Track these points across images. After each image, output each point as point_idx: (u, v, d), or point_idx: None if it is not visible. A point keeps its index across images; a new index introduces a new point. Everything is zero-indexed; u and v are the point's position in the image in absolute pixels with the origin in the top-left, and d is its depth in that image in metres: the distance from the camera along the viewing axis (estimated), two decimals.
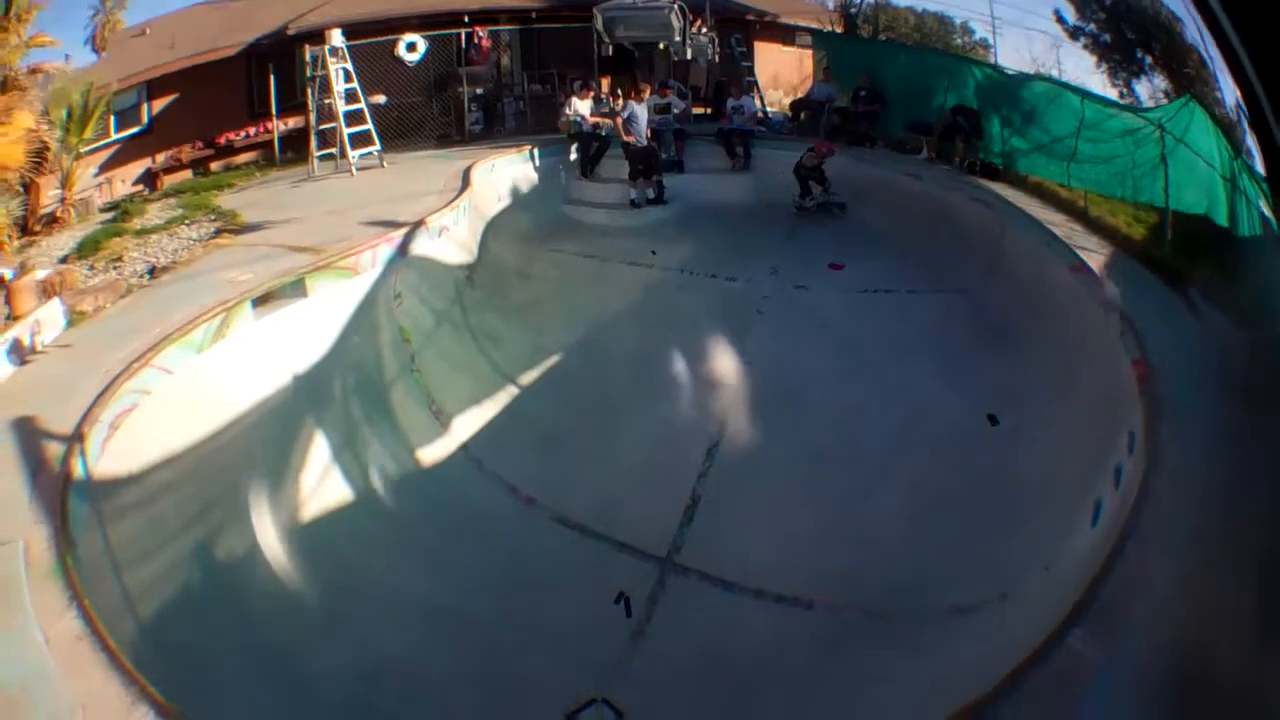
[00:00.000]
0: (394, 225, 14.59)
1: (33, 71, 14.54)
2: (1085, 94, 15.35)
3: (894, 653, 7.41)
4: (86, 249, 14.41)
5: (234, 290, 11.65)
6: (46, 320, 11.42)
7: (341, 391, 12.15)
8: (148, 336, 10.39)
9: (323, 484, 10.76)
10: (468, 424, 12.45)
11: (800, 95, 23.61)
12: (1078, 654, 5.82)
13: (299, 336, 11.99)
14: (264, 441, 10.54)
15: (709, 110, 23.77)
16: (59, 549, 7.10)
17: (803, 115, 22.71)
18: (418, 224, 14.85)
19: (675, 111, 21.34)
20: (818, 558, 9.74)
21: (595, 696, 8.23)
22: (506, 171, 19.80)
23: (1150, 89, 14.55)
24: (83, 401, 9.16)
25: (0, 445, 8.71)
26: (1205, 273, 11.38)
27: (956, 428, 11.34)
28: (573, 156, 21.08)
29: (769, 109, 23.70)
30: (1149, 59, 14.68)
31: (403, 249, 14.30)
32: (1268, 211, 10.68)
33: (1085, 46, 15.91)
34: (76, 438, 8.61)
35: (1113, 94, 15.13)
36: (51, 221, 14.39)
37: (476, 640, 8.92)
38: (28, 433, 8.88)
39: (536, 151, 20.76)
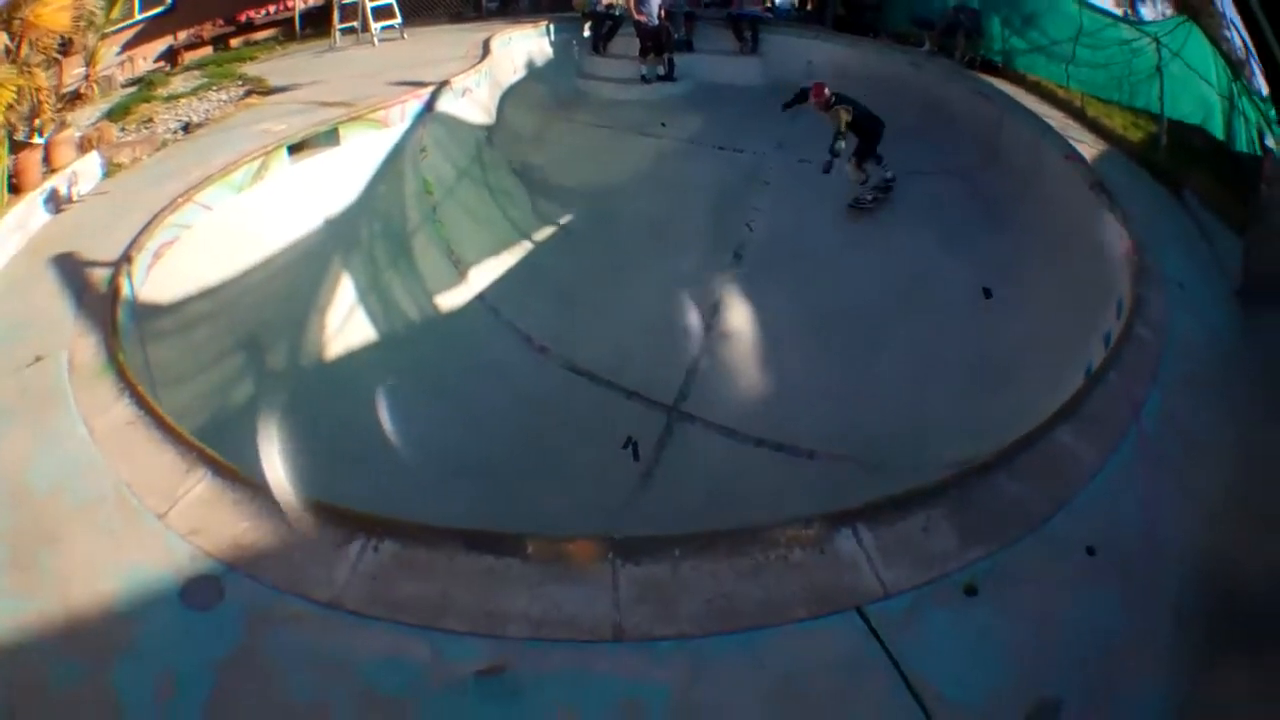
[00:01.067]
0: (420, 85, 14.74)
1: None
2: (1082, 3, 15.27)
3: None
4: (116, 114, 14.36)
5: (270, 139, 11.77)
6: (83, 172, 11.45)
7: (368, 236, 12.37)
8: (188, 179, 10.53)
9: (348, 323, 10.98)
10: (485, 274, 12.59)
11: None
12: (1066, 446, 6.18)
13: (331, 182, 12.24)
14: (295, 279, 10.93)
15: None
16: (109, 349, 7.24)
17: (809, 4, 22.49)
18: (443, 84, 15.00)
19: None
20: (818, 413, 9.96)
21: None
22: (523, 44, 19.74)
23: (1155, 12, 14.57)
24: (124, 236, 9.27)
25: (43, 276, 8.88)
26: (1199, 177, 11.49)
27: (954, 297, 11.51)
28: (586, 34, 20.99)
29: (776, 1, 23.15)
30: None
31: (429, 106, 14.42)
32: (1272, 143, 11.02)
33: None
34: (124, 260, 8.76)
35: (1117, 12, 15.04)
36: (75, 98, 14.21)
37: (490, 481, 9.05)
38: (70, 264, 9.02)
39: (552, 27, 20.68)
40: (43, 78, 11.91)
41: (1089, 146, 12.47)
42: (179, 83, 16.74)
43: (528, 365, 11.23)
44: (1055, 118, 13.90)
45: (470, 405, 10.28)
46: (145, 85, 16.48)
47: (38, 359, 7.25)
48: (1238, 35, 11.73)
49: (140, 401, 6.52)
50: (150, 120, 14.05)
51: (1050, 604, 5.09)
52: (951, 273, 12.03)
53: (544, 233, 14.15)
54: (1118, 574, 5.34)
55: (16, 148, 11.10)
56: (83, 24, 13.44)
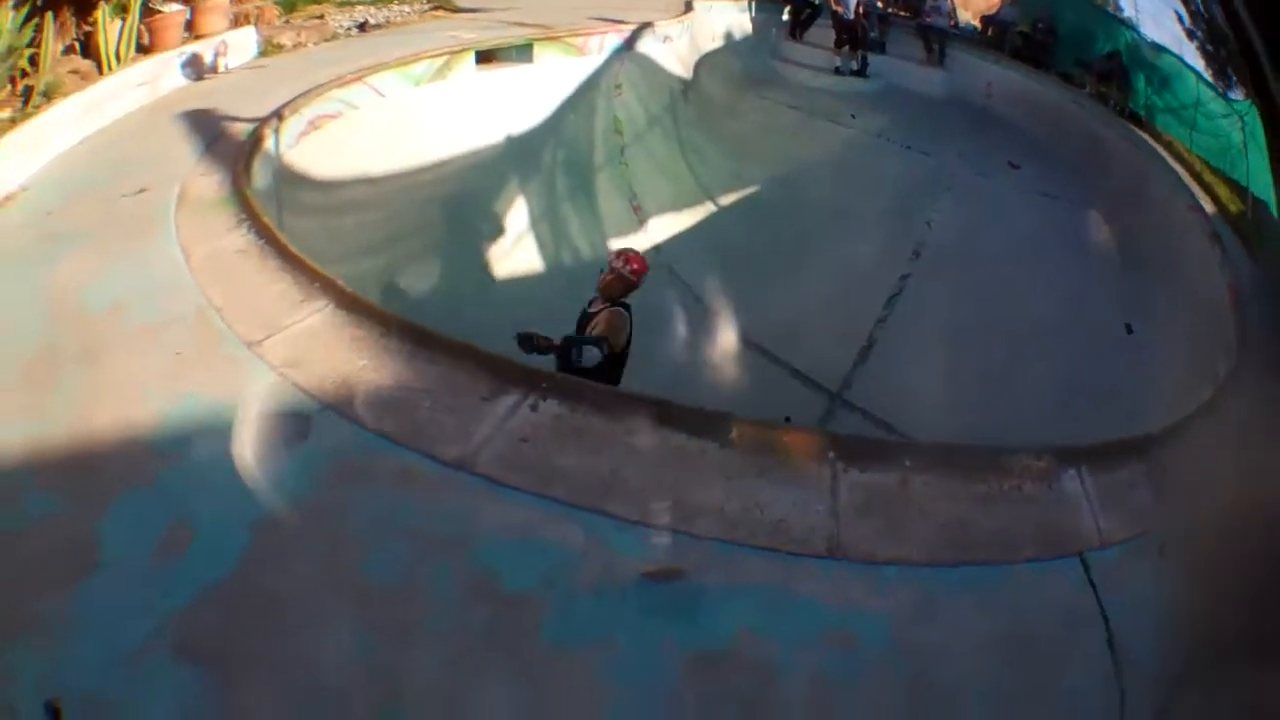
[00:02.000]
0: (621, 23, 13.40)
1: None
2: (1198, 74, 15.00)
3: None
4: (283, 6, 12.77)
5: (459, 45, 10.80)
6: (235, 44, 10.25)
7: (550, 163, 11.55)
8: (359, 65, 9.48)
9: (516, 246, 10.38)
10: (664, 227, 11.79)
11: (991, 14, 22.48)
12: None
13: (518, 99, 11.35)
14: (466, 188, 10.18)
15: (906, 13, 22.03)
16: (236, 184, 6.23)
17: (990, 31, 21.52)
18: (646, 24, 13.75)
19: None
20: (966, 417, 9.17)
21: None
22: (723, 15, 18.30)
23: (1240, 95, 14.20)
24: (275, 103, 8.17)
25: (165, 126, 7.93)
26: (1264, 251, 11.00)
27: (1095, 326, 10.93)
28: (785, 18, 19.55)
29: (960, 21, 22.53)
30: (1235, 76, 14.26)
31: (629, 43, 13.26)
32: None
33: (1197, 49, 15.56)
34: (275, 116, 7.77)
35: (1217, 85, 14.84)
36: None
37: None
38: (204, 117, 8.04)
39: (753, 4, 19.23)
40: None
41: (1206, 205, 12.19)
42: None
43: (696, 326, 10.46)
44: (1184, 175, 13.57)
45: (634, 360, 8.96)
46: None
47: (140, 190, 6.22)
48: None
49: (261, 230, 5.55)
50: (321, 17, 12.69)
51: (1220, 568, 4.16)
52: (1096, 303, 11.36)
53: (729, 198, 13.05)
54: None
55: (149, 13, 9.76)
56: None
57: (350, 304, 4.76)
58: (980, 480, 4.30)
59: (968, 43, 20.18)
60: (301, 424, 3.91)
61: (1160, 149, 14.50)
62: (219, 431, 3.84)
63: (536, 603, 3.40)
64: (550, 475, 3.80)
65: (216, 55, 9.69)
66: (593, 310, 7.27)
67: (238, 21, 10.78)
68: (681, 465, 3.98)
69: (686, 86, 15.13)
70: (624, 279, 7.26)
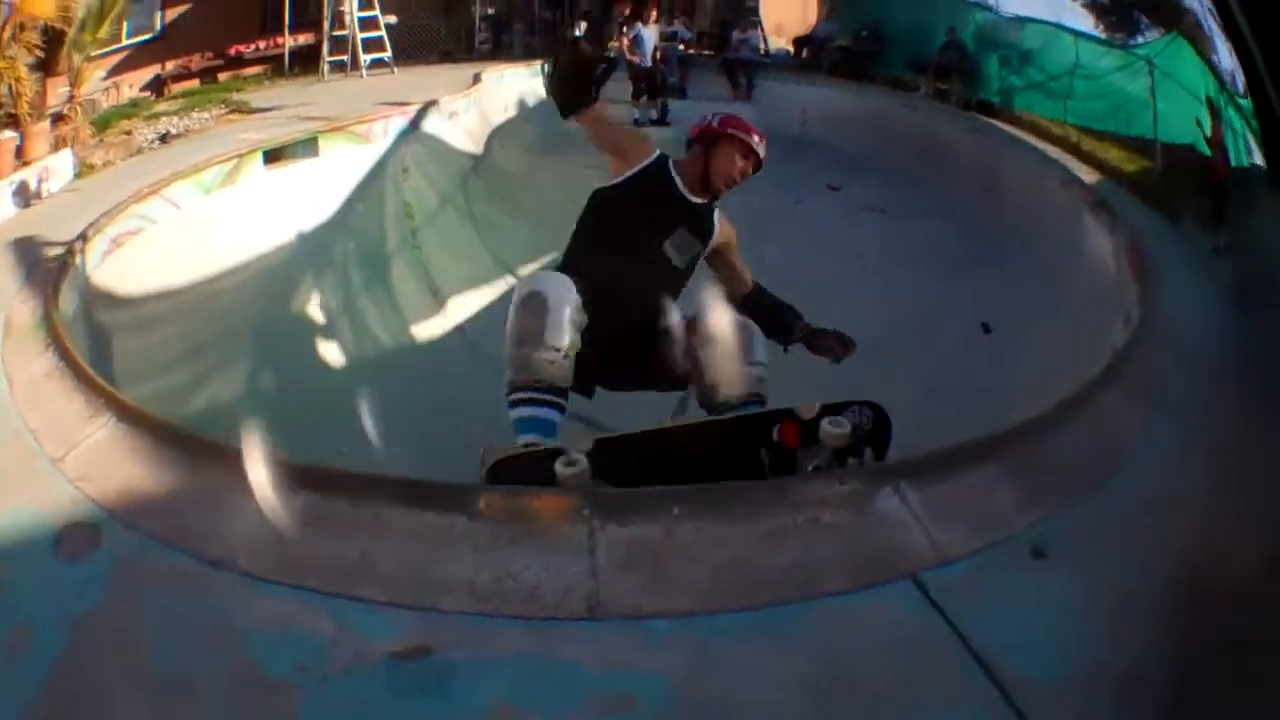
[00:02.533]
0: (406, 105, 14.25)
1: None
2: (1078, 34, 15.28)
3: None
4: (96, 125, 13.94)
5: (246, 146, 11.36)
6: (55, 169, 11.04)
7: (343, 256, 11.81)
8: (158, 177, 10.06)
9: (317, 345, 10.54)
10: (465, 306, 12.19)
11: (805, 34, 23.07)
12: (1110, 410, 5.64)
13: (306, 195, 11.61)
14: (263, 293, 10.35)
15: (711, 52, 23.39)
16: (45, 308, 6.83)
17: (804, 53, 22.42)
18: (430, 103, 14.52)
19: (682, 40, 21.25)
20: None
21: None
22: (515, 83, 19.26)
23: (1144, 41, 14.28)
24: (87, 221, 8.83)
25: (2, 255, 8.39)
26: (1186, 196, 11.49)
27: (957, 331, 11.16)
28: None
29: (771, 48, 23.03)
30: (1144, 20, 14.48)
31: (414, 124, 13.93)
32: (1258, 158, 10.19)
33: (1084, 5, 15.85)
34: (80, 238, 8.37)
35: (1105, 38, 15.20)
36: (59, 119, 13.74)
37: None
38: (27, 247, 8.56)
39: (546, 67, 19.88)
40: (22, 68, 11.61)
41: (1086, 175, 12.35)
42: (164, 108, 16.44)
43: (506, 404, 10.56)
44: (1051, 153, 13.80)
45: (446, 442, 9.20)
46: (129, 105, 16.27)
47: None
48: (1225, 51, 11.28)
49: (63, 352, 6.13)
50: (129, 133, 13.76)
51: (1120, 565, 4.28)
52: (953, 307, 11.67)
53: (530, 267, 13.01)
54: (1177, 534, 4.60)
55: None
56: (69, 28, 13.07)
57: (130, 417, 5.16)
58: (765, 518, 4.21)
59: (781, 69, 21.18)
60: (93, 534, 4.35)
61: (1019, 131, 15.06)
62: (38, 542, 4.36)
63: (294, 690, 3.54)
64: (303, 566, 3.99)
65: (40, 181, 10.46)
66: (695, 198, 5.93)
67: (57, 145, 11.75)
68: (429, 542, 4.10)
69: (478, 162, 15.71)
70: (760, 161, 6.03)
